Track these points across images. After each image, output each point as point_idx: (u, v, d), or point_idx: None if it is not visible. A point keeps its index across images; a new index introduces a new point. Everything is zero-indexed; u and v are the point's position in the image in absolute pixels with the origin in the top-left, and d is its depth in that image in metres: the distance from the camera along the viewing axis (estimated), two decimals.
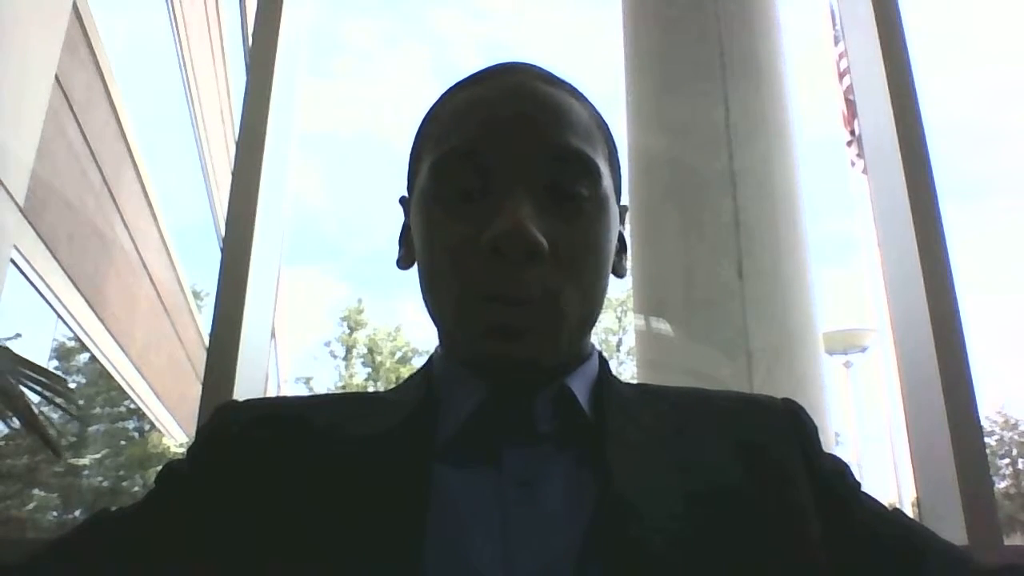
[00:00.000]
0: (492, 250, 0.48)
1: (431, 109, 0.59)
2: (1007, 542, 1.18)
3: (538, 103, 0.53)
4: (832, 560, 0.49)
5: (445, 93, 0.59)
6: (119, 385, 8.43)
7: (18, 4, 3.10)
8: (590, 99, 0.59)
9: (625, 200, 0.62)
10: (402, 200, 0.62)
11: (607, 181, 0.55)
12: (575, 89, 0.57)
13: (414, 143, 0.60)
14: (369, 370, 18.53)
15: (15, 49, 3.09)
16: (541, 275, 0.49)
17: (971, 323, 1.26)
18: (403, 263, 0.60)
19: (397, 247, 0.62)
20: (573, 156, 0.52)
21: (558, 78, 0.57)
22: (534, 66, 0.58)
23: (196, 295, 11.67)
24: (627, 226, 0.62)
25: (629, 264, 0.62)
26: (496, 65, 0.58)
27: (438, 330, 0.57)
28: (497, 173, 0.51)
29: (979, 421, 1.19)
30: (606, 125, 0.59)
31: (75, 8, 4.64)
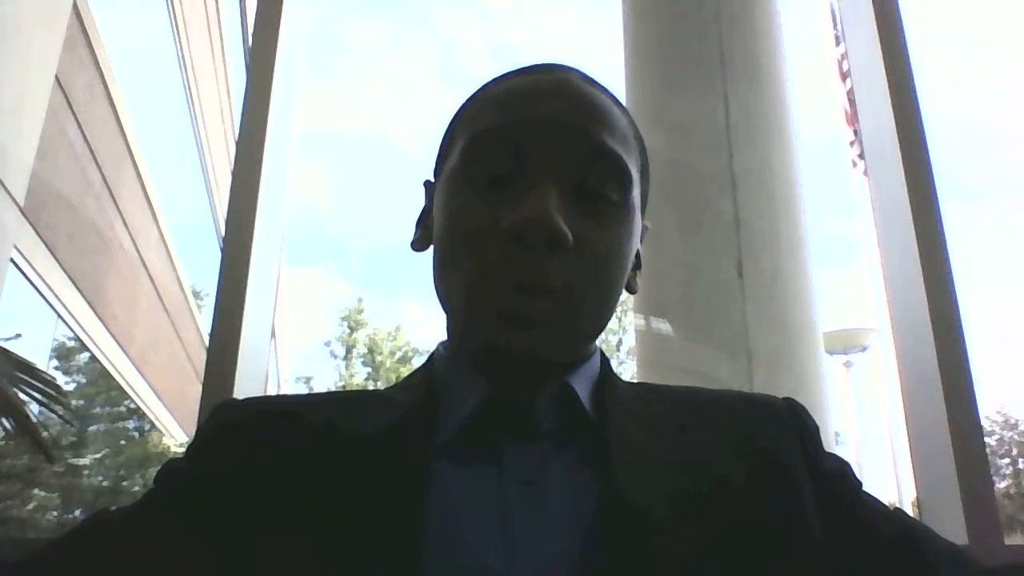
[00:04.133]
0: (513, 236, 0.48)
1: (472, 95, 0.59)
2: (1007, 542, 1.18)
3: (580, 100, 0.53)
4: (833, 559, 0.49)
5: (488, 82, 0.59)
6: (119, 385, 8.44)
7: (18, 4, 3.10)
8: (630, 113, 0.59)
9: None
10: (426, 183, 0.62)
11: (636, 190, 0.55)
12: (616, 98, 0.58)
13: (449, 125, 0.59)
14: (369, 370, 18.52)
15: (15, 49, 3.09)
16: (561, 267, 0.48)
17: (971, 323, 1.27)
18: (418, 244, 0.60)
19: (414, 229, 0.61)
20: (607, 156, 0.52)
21: (601, 84, 0.58)
22: (579, 69, 0.58)
23: (196, 295, 11.67)
24: (643, 246, 0.62)
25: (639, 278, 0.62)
26: (542, 63, 0.58)
27: (446, 314, 0.56)
28: (529, 162, 0.51)
29: (979, 421, 1.19)
30: (641, 139, 0.59)
31: (75, 8, 4.64)
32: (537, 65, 0.58)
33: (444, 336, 0.59)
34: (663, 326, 2.36)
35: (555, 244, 0.48)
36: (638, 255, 0.60)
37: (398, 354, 18.67)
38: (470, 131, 0.54)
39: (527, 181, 0.50)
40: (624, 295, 0.57)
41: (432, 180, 0.61)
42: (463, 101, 0.59)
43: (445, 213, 0.53)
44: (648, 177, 0.60)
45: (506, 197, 0.50)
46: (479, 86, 0.60)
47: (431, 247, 0.57)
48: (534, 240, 0.47)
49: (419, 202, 0.63)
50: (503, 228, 0.48)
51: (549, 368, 0.52)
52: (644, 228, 0.60)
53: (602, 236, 0.51)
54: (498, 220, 0.49)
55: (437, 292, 0.55)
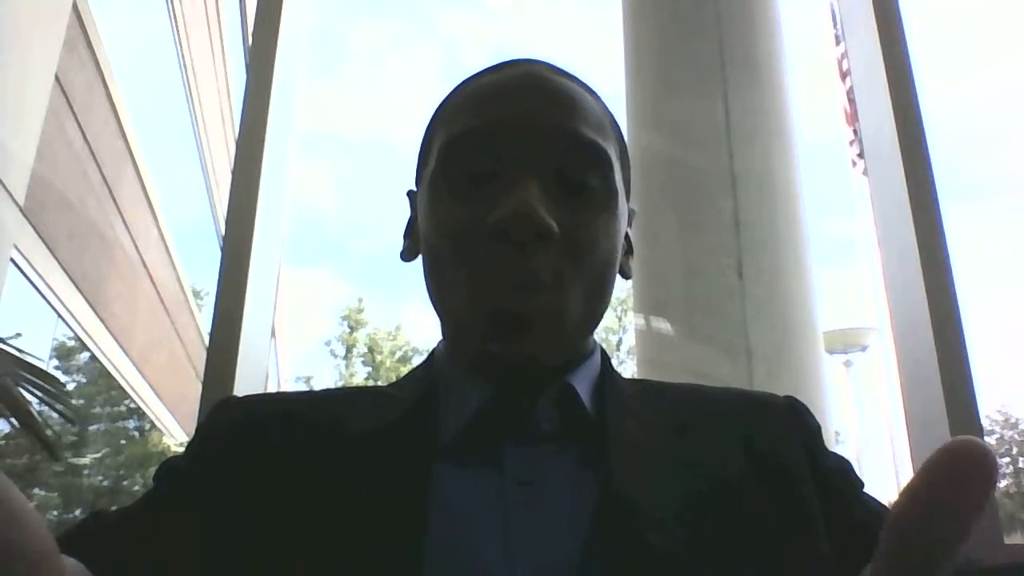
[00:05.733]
0: (498, 233, 0.48)
1: (444, 99, 0.59)
2: (1007, 541, 1.18)
3: (551, 91, 0.53)
4: (834, 559, 0.49)
5: (459, 84, 0.59)
6: (119, 384, 8.43)
7: (18, 4, 3.10)
8: (603, 99, 0.59)
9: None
10: (410, 194, 0.62)
11: (617, 176, 0.54)
12: (588, 85, 0.58)
13: (425, 132, 0.59)
14: (369, 369, 18.52)
15: (15, 49, 3.09)
16: (550, 260, 0.48)
17: (971, 323, 1.27)
18: (407, 255, 0.60)
19: (402, 240, 0.61)
20: (584, 145, 0.51)
21: (572, 74, 0.57)
22: (547, 62, 0.58)
23: (196, 295, 11.67)
24: (633, 229, 0.62)
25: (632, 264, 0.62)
26: (510, 59, 0.58)
27: (440, 320, 0.56)
28: (507, 158, 0.50)
29: (979, 421, 1.19)
30: (617, 124, 0.58)
31: (75, 8, 4.64)
32: (505, 62, 0.58)
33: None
34: (663, 326, 2.36)
35: (541, 237, 0.47)
36: (628, 240, 0.59)
37: (398, 354, 18.69)
38: (445, 135, 0.54)
39: (507, 178, 0.50)
40: (621, 287, 0.57)
41: (415, 190, 0.61)
42: (436, 106, 0.59)
43: (429, 219, 0.53)
44: (628, 161, 0.59)
45: (487, 196, 0.50)
46: (451, 89, 0.59)
47: (420, 256, 0.56)
48: (519, 235, 0.47)
49: None
50: (488, 226, 0.48)
51: (546, 369, 0.52)
52: (631, 212, 0.60)
53: (587, 224, 0.50)
54: (481, 220, 0.49)
55: (431, 299, 0.55)
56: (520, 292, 0.48)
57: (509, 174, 0.50)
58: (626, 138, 0.60)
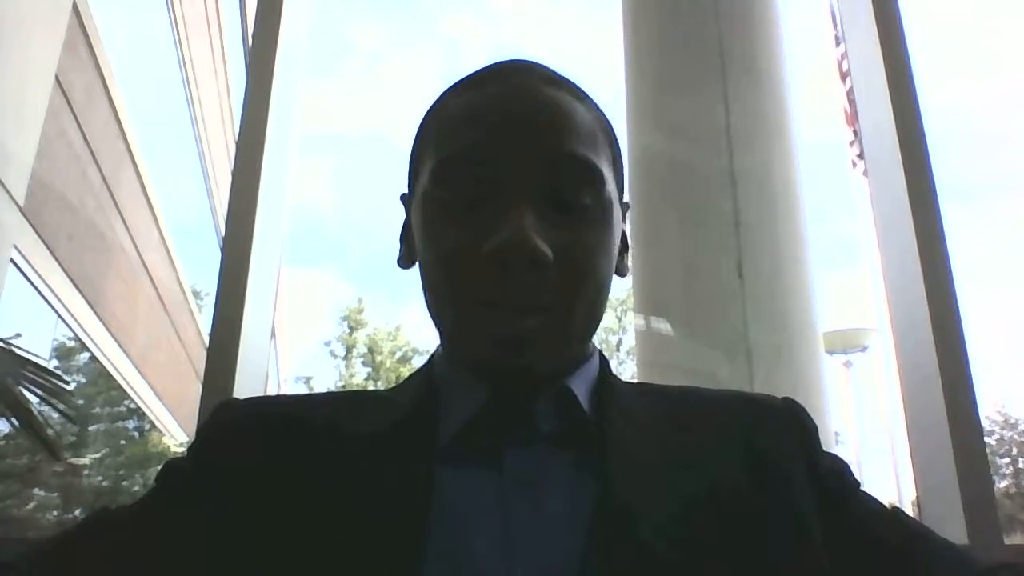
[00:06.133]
0: (495, 260, 0.48)
1: (432, 109, 0.58)
2: (1007, 541, 1.18)
3: (540, 108, 0.52)
4: (831, 560, 0.49)
5: (446, 92, 0.58)
6: (119, 385, 8.44)
7: (18, 4, 3.11)
8: (592, 97, 0.58)
9: (625, 197, 0.61)
10: (403, 197, 0.62)
11: (611, 185, 0.54)
12: (578, 89, 0.57)
13: (415, 142, 0.59)
14: (369, 370, 18.52)
15: (15, 49, 3.10)
16: (546, 283, 0.48)
17: (971, 323, 1.27)
18: (404, 262, 0.60)
19: (398, 244, 0.61)
20: (576, 163, 0.51)
21: (560, 78, 0.56)
22: (536, 65, 0.57)
23: (196, 295, 11.66)
24: (628, 224, 0.62)
25: (630, 262, 0.62)
26: (497, 64, 0.57)
27: (439, 333, 0.56)
28: (499, 180, 0.50)
29: (979, 421, 1.19)
30: (609, 124, 0.58)
31: (75, 8, 4.64)
32: (494, 69, 0.56)
33: None
34: (663, 326, 2.36)
35: (536, 263, 0.48)
36: (624, 237, 0.59)
37: (398, 354, 18.68)
38: (437, 153, 0.53)
39: (500, 200, 0.50)
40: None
41: (408, 194, 0.60)
42: (427, 111, 0.58)
43: (425, 239, 0.53)
44: (620, 163, 0.59)
45: (482, 218, 0.50)
46: (441, 92, 0.58)
47: (417, 263, 0.56)
48: (516, 263, 0.47)
49: None
50: (483, 254, 0.48)
51: (546, 377, 0.52)
52: (625, 206, 0.60)
53: (582, 243, 0.50)
54: (478, 244, 0.49)
55: (429, 313, 0.55)
56: (518, 317, 0.48)
57: (502, 198, 0.50)
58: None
